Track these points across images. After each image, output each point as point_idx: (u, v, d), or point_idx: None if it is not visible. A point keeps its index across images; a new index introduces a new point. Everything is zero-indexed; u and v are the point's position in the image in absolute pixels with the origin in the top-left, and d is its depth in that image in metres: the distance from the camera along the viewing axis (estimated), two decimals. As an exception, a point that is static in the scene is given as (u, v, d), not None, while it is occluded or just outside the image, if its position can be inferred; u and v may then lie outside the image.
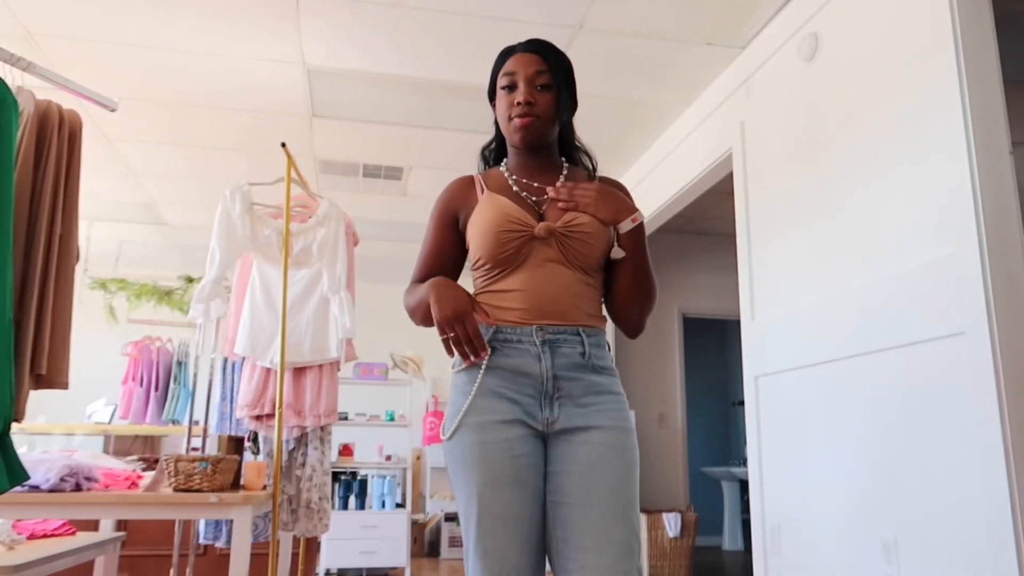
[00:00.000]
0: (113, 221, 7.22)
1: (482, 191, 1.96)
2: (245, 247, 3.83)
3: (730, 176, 4.50)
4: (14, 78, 2.33)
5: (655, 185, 5.46)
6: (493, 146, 2.12)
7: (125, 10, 3.97)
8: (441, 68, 4.51)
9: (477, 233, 1.90)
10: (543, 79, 1.93)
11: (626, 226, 1.87)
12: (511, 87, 1.94)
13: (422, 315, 1.90)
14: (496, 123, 2.05)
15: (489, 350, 1.83)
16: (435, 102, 4.96)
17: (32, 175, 2.37)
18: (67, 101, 2.59)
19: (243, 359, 4.04)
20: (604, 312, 1.99)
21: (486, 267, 1.90)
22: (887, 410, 3.08)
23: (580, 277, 1.89)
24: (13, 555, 3.10)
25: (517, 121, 1.91)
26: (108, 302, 6.98)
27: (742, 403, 4.31)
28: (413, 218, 7.27)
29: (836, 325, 3.40)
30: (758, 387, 4.05)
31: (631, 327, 1.99)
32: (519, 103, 1.90)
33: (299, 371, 3.97)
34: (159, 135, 5.47)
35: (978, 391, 2.61)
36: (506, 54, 2.00)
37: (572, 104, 2.04)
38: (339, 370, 4.12)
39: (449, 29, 4.12)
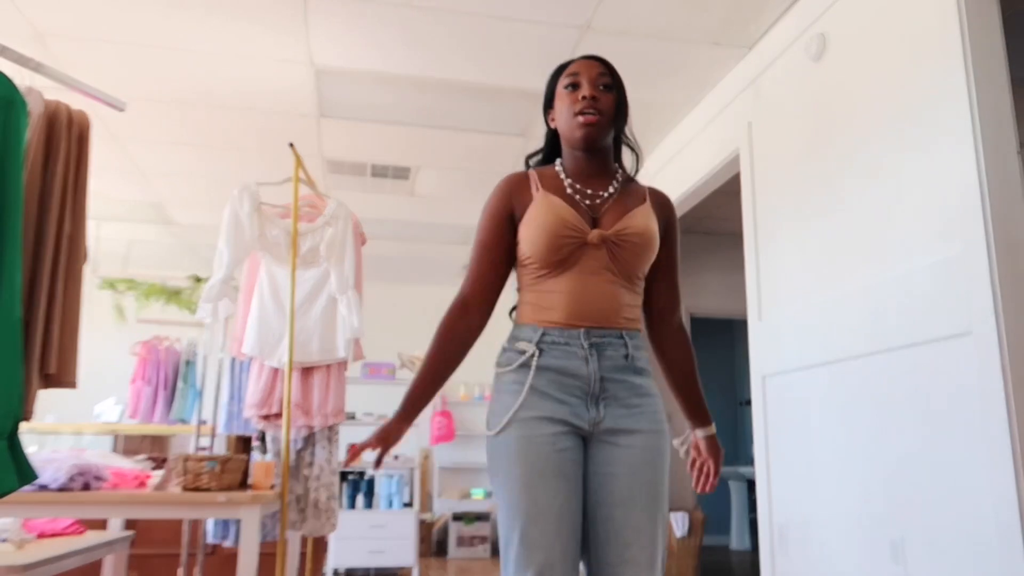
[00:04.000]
0: (121, 221, 7.23)
1: (537, 189, 1.98)
2: (253, 247, 3.84)
3: (737, 176, 4.49)
4: (23, 79, 2.34)
5: (662, 185, 5.40)
6: (540, 156, 2.14)
7: (133, 10, 3.99)
8: (449, 68, 4.52)
9: (531, 234, 1.93)
10: (606, 80, 1.99)
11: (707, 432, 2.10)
12: (575, 85, 1.99)
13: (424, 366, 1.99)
14: (547, 134, 2.11)
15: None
16: (443, 102, 4.97)
17: (41, 175, 2.38)
18: (76, 101, 2.60)
19: (251, 359, 4.05)
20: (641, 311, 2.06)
21: (535, 267, 1.95)
22: (894, 410, 3.07)
23: (625, 284, 1.96)
24: (23, 554, 3.12)
25: (581, 118, 1.95)
26: (117, 302, 6.99)
27: (749, 403, 4.30)
28: (421, 218, 7.28)
29: (843, 325, 3.40)
30: (765, 387, 4.05)
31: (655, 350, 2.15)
32: (584, 97, 1.95)
33: (307, 371, 3.98)
34: (168, 135, 5.49)
35: (985, 391, 2.61)
36: (565, 64, 2.07)
37: (626, 114, 2.09)
38: (347, 370, 4.13)
39: (457, 29, 4.12)
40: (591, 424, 1.88)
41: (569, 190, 1.99)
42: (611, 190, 2.02)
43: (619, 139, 2.09)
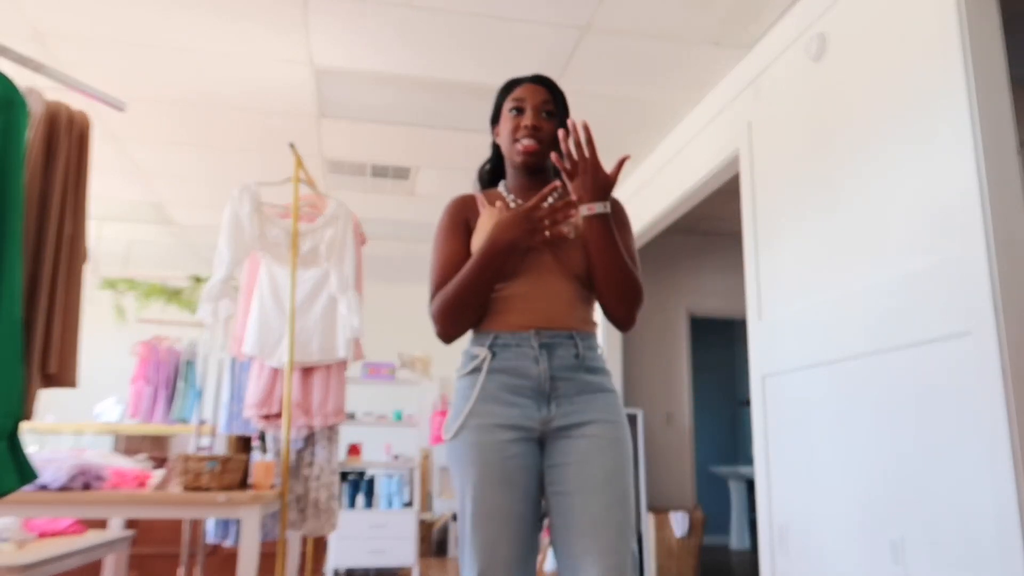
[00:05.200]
0: (122, 221, 7.24)
1: (483, 207, 2.09)
2: (253, 247, 3.84)
3: (737, 176, 4.49)
4: (24, 79, 2.34)
5: (662, 185, 5.46)
6: (488, 167, 2.26)
7: (134, 10, 3.99)
8: (449, 68, 4.52)
9: (478, 245, 2.00)
10: (548, 108, 2.07)
11: (583, 211, 1.94)
12: (519, 111, 2.07)
13: (471, 292, 1.93)
14: (493, 145, 2.23)
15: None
16: (443, 102, 4.97)
17: (41, 176, 2.38)
18: (76, 102, 2.61)
19: (251, 359, 4.05)
20: (593, 316, 2.08)
21: None
22: (894, 410, 3.07)
23: (574, 286, 2.01)
24: (23, 554, 3.12)
25: (522, 144, 2.04)
26: (117, 302, 7.00)
27: (749, 403, 4.31)
28: (421, 218, 7.28)
29: (843, 325, 3.40)
30: (765, 387, 4.05)
31: (612, 318, 2.03)
32: (527, 126, 2.04)
33: (307, 371, 3.99)
34: (168, 135, 5.49)
35: (985, 391, 2.61)
36: (513, 84, 2.14)
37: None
38: (347, 369, 4.13)
39: (457, 29, 4.13)
40: (543, 423, 1.91)
41: (512, 204, 2.08)
42: (550, 201, 2.06)
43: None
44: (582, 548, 1.81)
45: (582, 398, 1.93)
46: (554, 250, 1.98)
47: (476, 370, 1.96)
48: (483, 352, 1.95)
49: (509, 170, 2.15)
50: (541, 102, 2.06)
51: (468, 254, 2.03)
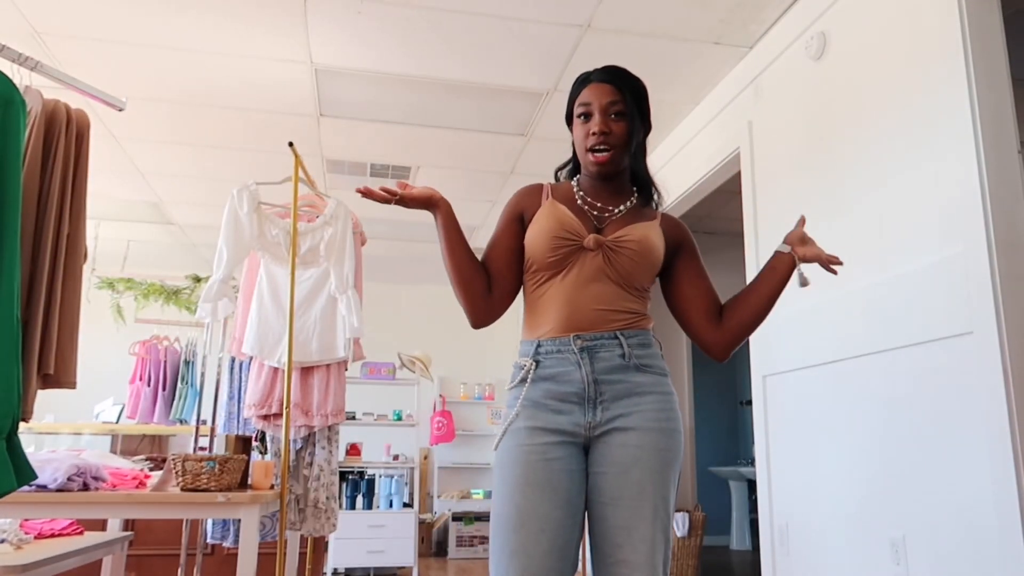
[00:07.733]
0: (121, 220, 7.23)
1: (547, 197, 2.04)
2: (252, 246, 3.83)
3: (738, 175, 4.49)
4: (22, 77, 2.33)
5: (663, 184, 5.43)
6: (569, 167, 2.18)
7: (133, 9, 3.98)
8: (448, 67, 4.51)
9: (532, 236, 1.99)
10: (617, 108, 2.00)
11: (797, 259, 2.18)
12: (587, 116, 2.01)
13: (447, 265, 2.03)
14: (573, 144, 2.13)
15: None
16: (442, 101, 4.96)
17: (39, 174, 2.37)
18: (74, 100, 2.59)
19: (250, 359, 4.04)
20: (648, 311, 2.05)
21: (533, 270, 2.00)
22: (895, 409, 3.07)
23: (622, 293, 1.97)
24: (21, 554, 3.11)
25: (591, 156, 1.99)
26: (115, 301, 6.98)
27: (750, 402, 4.30)
28: (420, 217, 7.21)
29: (844, 324, 3.39)
30: (766, 386, 4.04)
31: (719, 345, 2.11)
32: (595, 133, 1.98)
33: (306, 370, 3.97)
34: (167, 134, 5.48)
35: (986, 390, 2.60)
36: (582, 82, 2.08)
37: (646, 127, 2.11)
38: (346, 369, 4.12)
39: (456, 28, 4.12)
40: (588, 428, 1.88)
41: (579, 202, 2.04)
42: (622, 208, 2.05)
43: (635, 161, 2.10)
44: (615, 559, 1.80)
45: (630, 400, 1.90)
46: (608, 254, 1.95)
47: (522, 381, 1.94)
48: (527, 362, 1.95)
49: (583, 170, 2.09)
50: (608, 104, 2.00)
51: (509, 241, 2.04)
